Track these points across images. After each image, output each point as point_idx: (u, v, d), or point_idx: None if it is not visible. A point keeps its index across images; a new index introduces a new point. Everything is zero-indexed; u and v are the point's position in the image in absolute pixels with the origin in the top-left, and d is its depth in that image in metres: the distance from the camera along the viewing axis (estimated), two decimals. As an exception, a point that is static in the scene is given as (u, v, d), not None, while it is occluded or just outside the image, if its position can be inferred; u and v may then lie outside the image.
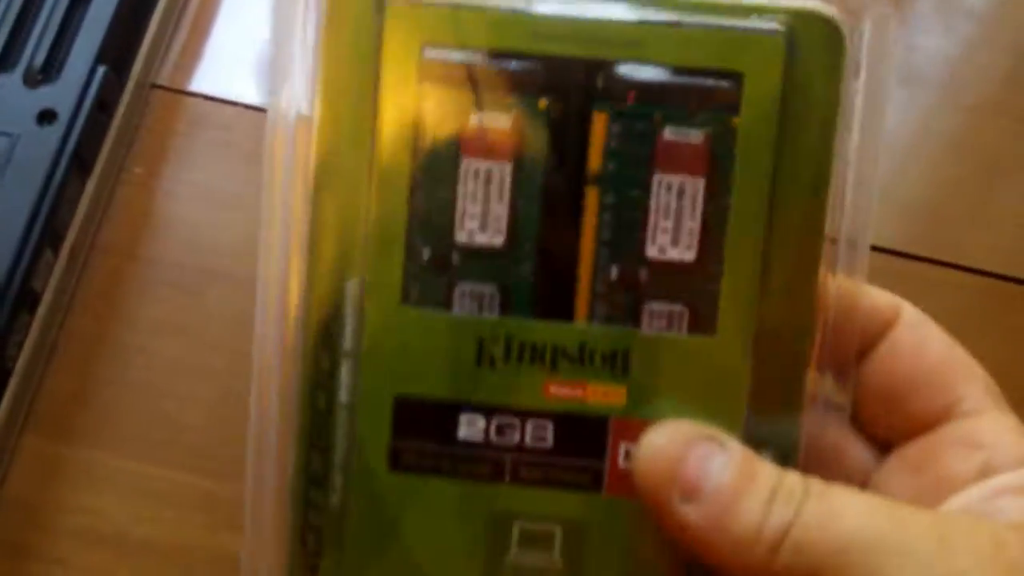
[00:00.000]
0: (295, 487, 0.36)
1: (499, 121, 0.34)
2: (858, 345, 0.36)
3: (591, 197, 0.34)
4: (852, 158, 0.35)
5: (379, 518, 0.35)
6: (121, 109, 0.60)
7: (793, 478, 0.33)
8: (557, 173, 0.34)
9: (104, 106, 0.58)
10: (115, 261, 0.59)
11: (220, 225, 0.59)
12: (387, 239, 0.35)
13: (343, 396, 0.35)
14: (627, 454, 0.35)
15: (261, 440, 0.36)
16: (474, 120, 0.34)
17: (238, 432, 0.56)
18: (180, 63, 0.62)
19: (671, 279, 0.34)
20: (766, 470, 0.33)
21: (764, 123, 0.34)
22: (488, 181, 0.34)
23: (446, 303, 0.35)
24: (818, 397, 0.36)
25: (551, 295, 0.35)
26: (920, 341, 0.37)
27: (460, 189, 0.34)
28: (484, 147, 0.34)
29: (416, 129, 0.34)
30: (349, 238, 0.35)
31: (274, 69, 0.36)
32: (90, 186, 0.58)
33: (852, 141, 0.35)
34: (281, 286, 0.36)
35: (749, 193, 0.34)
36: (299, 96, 0.35)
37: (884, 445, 0.38)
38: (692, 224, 0.34)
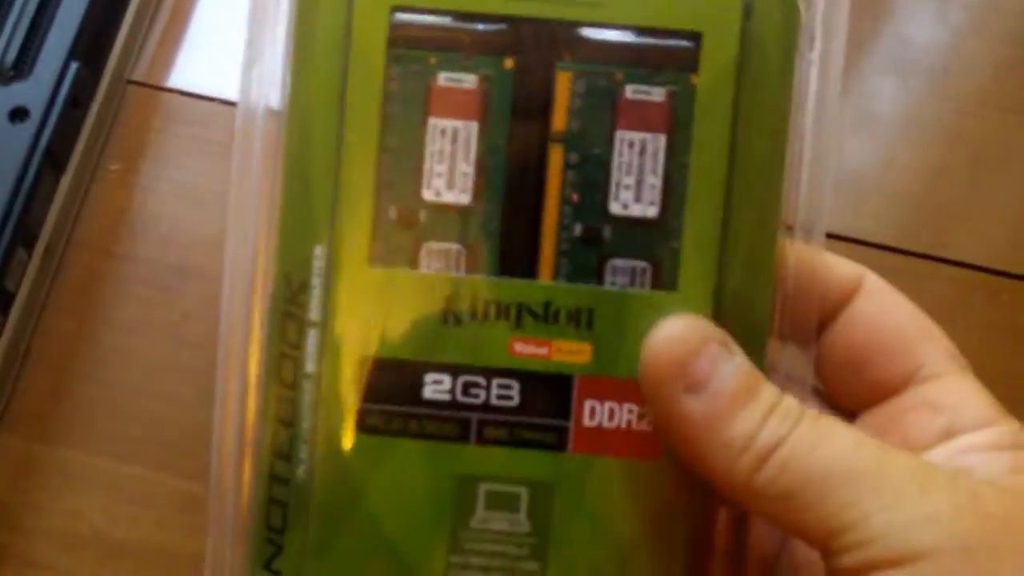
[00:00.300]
0: (260, 461, 0.37)
1: (465, 81, 0.36)
2: (819, 314, 0.37)
3: (555, 155, 0.36)
4: (808, 131, 0.37)
5: (345, 484, 0.36)
6: (95, 105, 0.60)
7: (792, 401, 0.34)
8: (522, 132, 0.36)
9: (77, 103, 0.59)
10: (91, 259, 0.60)
11: (197, 221, 0.59)
12: (355, 199, 0.36)
13: (309, 366, 0.36)
14: (592, 412, 0.36)
15: (224, 426, 0.38)
16: (441, 80, 0.36)
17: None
18: (156, 58, 0.63)
19: (634, 235, 0.36)
20: (769, 388, 0.34)
21: (723, 82, 0.35)
22: (455, 140, 0.36)
23: (413, 261, 0.36)
24: (779, 367, 0.37)
25: (516, 253, 0.36)
26: (882, 308, 0.38)
27: (427, 148, 0.36)
28: (451, 107, 0.36)
29: (385, 90, 0.36)
30: (316, 205, 0.36)
31: (249, 43, 0.37)
32: (64, 183, 0.59)
33: (807, 114, 0.37)
34: (248, 279, 0.37)
35: (709, 151, 0.35)
36: (271, 75, 0.37)
37: (849, 415, 0.39)
38: (654, 180, 0.35)
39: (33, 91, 0.59)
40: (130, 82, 0.62)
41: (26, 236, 0.57)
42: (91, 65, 0.60)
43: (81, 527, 0.56)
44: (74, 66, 0.59)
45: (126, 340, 0.59)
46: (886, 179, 0.62)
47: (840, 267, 0.37)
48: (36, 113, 0.58)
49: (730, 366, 0.34)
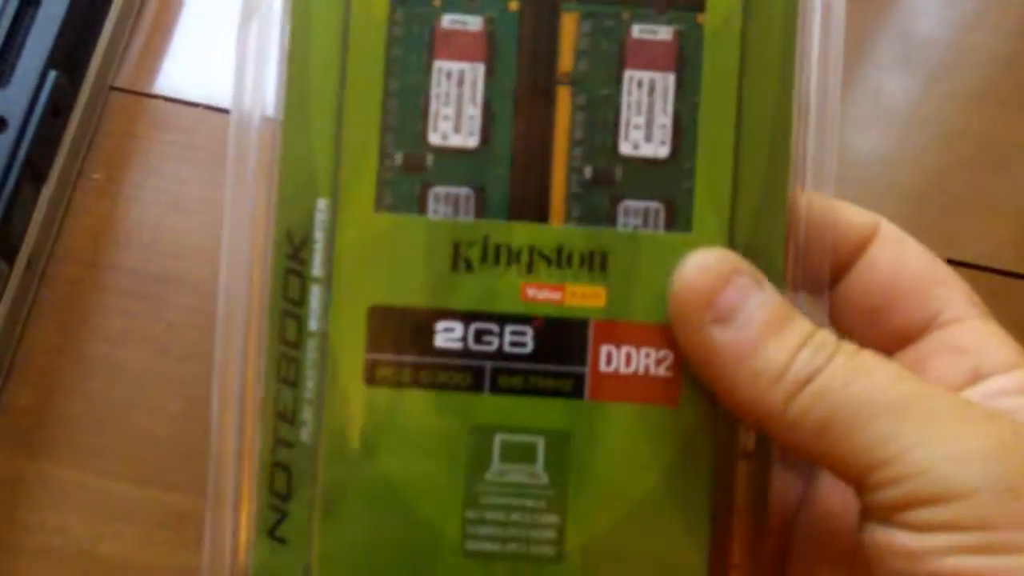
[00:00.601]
0: (264, 424, 0.36)
1: (470, 23, 0.36)
2: (832, 262, 0.37)
3: (563, 97, 0.36)
4: (814, 73, 0.37)
5: (354, 440, 0.36)
6: (77, 113, 0.60)
7: (826, 333, 0.33)
8: (529, 74, 0.36)
9: (58, 111, 0.59)
10: (74, 270, 0.60)
11: (182, 230, 0.59)
12: (359, 145, 0.36)
13: (313, 324, 0.36)
14: (609, 357, 0.36)
15: (224, 392, 0.37)
16: (445, 23, 0.36)
17: (204, 444, 0.56)
18: (140, 64, 0.62)
19: (646, 176, 0.36)
20: (801, 320, 0.34)
21: (729, 20, 0.36)
22: (461, 83, 0.36)
23: (420, 207, 0.36)
24: None
25: (526, 196, 0.36)
26: (899, 255, 0.38)
27: (433, 91, 0.36)
28: (456, 49, 0.36)
29: (389, 34, 0.36)
30: (319, 156, 0.36)
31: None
32: (46, 194, 0.59)
33: (813, 54, 0.37)
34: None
35: (718, 89, 0.36)
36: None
37: None
38: (664, 120, 0.36)
39: (11, 100, 0.58)
40: (113, 88, 0.62)
41: (7, 248, 0.57)
42: (71, 73, 0.60)
43: (66, 544, 0.55)
44: (53, 74, 0.59)
45: (110, 352, 0.58)
46: (889, 175, 0.62)
47: (854, 215, 0.37)
48: (15, 123, 0.58)
49: (760, 296, 0.34)
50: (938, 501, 0.30)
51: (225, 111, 0.56)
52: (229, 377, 0.37)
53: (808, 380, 0.32)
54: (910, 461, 0.30)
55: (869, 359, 0.32)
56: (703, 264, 0.34)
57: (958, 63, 0.65)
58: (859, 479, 0.31)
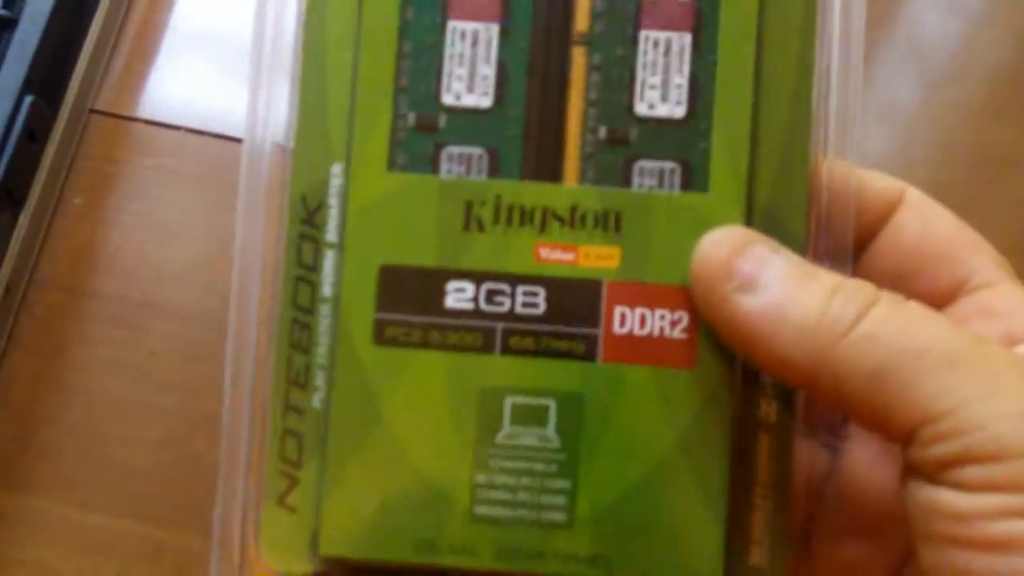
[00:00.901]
0: (275, 390, 0.36)
1: None
2: (856, 230, 0.36)
3: (578, 57, 0.36)
4: (836, 39, 0.37)
5: (363, 401, 0.35)
6: (55, 138, 0.60)
7: (860, 281, 0.33)
8: (544, 34, 0.36)
9: (34, 136, 0.59)
10: (54, 297, 0.59)
11: (165, 256, 0.59)
12: (373, 106, 0.36)
13: (326, 290, 0.36)
14: (623, 319, 0.35)
15: (237, 356, 0.37)
16: (460, -18, 0.36)
17: (186, 476, 0.56)
18: (121, 87, 0.63)
19: (661, 136, 0.36)
20: (826, 272, 0.33)
21: None
22: (475, 42, 0.36)
23: (433, 167, 0.36)
24: None
25: (540, 156, 0.36)
26: (926, 220, 0.37)
27: (446, 51, 0.36)
28: (470, 9, 0.36)
29: (402, -6, 0.36)
30: (334, 120, 0.36)
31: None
32: (24, 219, 0.59)
33: (835, 18, 0.37)
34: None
35: (736, 49, 0.36)
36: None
37: None
38: (680, 80, 0.36)
39: (-14, 128, 0.58)
40: (93, 112, 0.62)
41: (-16, 275, 0.56)
42: (48, 96, 0.60)
43: (46, 578, 0.53)
44: (28, 99, 0.59)
45: (91, 381, 0.58)
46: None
47: (879, 181, 0.36)
48: (-10, 149, 0.57)
49: (780, 260, 0.33)
50: (993, 459, 0.29)
51: (208, 134, 0.57)
52: (243, 349, 0.36)
53: (853, 324, 0.31)
54: (966, 416, 0.29)
55: (918, 308, 0.31)
56: (716, 238, 0.34)
57: (961, 74, 0.65)
58: (909, 433, 0.30)
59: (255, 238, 0.36)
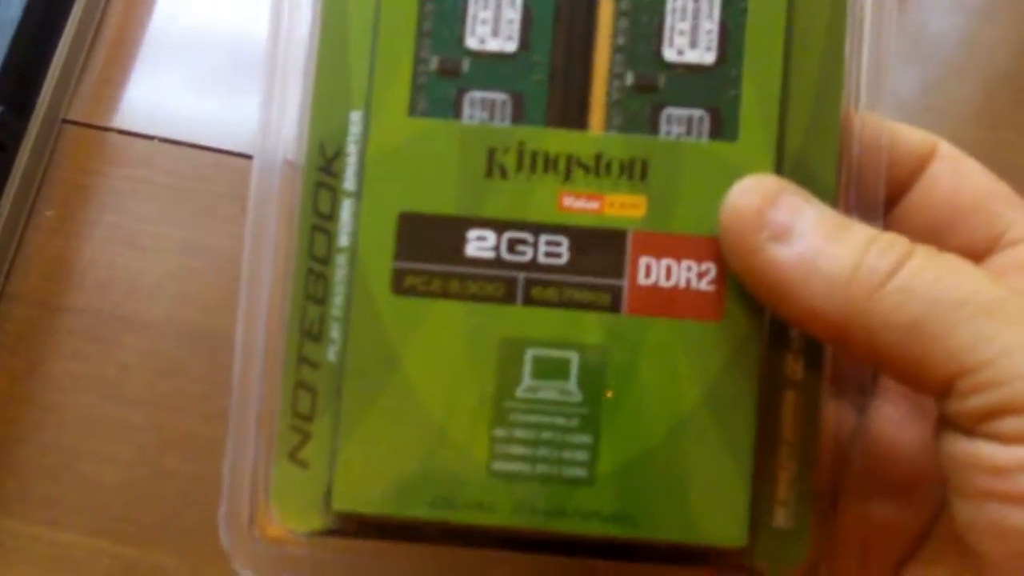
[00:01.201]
0: (288, 342, 0.35)
1: None
2: (887, 183, 0.36)
3: (605, 1, 0.35)
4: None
5: (380, 353, 0.34)
6: (26, 149, 0.59)
7: (892, 234, 0.32)
8: None
9: (3, 147, 0.58)
10: (25, 311, 0.58)
11: (138, 269, 0.58)
12: (395, 50, 0.35)
13: (343, 239, 0.35)
14: (648, 270, 0.35)
15: (249, 310, 0.36)
16: (484, -76, 0.35)
17: (158, 493, 0.54)
18: (95, 97, 0.61)
19: (690, 83, 0.35)
20: (860, 225, 0.32)
21: None
22: None
23: (455, 112, 0.35)
24: None
25: (565, 102, 0.35)
26: (959, 174, 0.37)
27: None
28: (495, -48, 0.35)
29: (425, -63, 0.35)
30: (354, 65, 0.35)
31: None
32: (-7, 232, 0.57)
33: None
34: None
35: None
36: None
37: None
38: (710, 25, 0.35)
39: (-48, 138, 0.57)
40: (66, 122, 0.61)
41: (-48, 289, 0.55)
42: (17, 107, 0.59)
43: (17, 599, 0.52)
44: (-2, 110, 0.58)
45: (61, 397, 0.57)
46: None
47: (911, 134, 0.36)
48: (-45, 161, 0.56)
49: (811, 211, 0.32)
50: None
51: (183, 144, 0.56)
52: (255, 290, 0.36)
53: (889, 276, 0.31)
54: (1006, 366, 0.28)
55: (954, 259, 0.31)
56: (747, 187, 0.33)
57: (975, 54, 0.65)
58: (945, 385, 0.29)
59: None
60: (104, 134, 0.61)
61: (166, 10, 0.63)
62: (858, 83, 0.36)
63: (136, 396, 0.56)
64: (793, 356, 0.35)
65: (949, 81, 0.64)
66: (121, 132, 0.61)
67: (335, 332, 0.35)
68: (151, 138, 0.60)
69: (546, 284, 0.34)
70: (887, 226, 0.35)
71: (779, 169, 0.35)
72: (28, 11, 0.59)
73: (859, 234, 0.32)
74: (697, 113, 0.35)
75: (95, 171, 0.60)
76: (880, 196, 0.35)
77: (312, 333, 0.35)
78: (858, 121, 0.35)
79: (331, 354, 0.35)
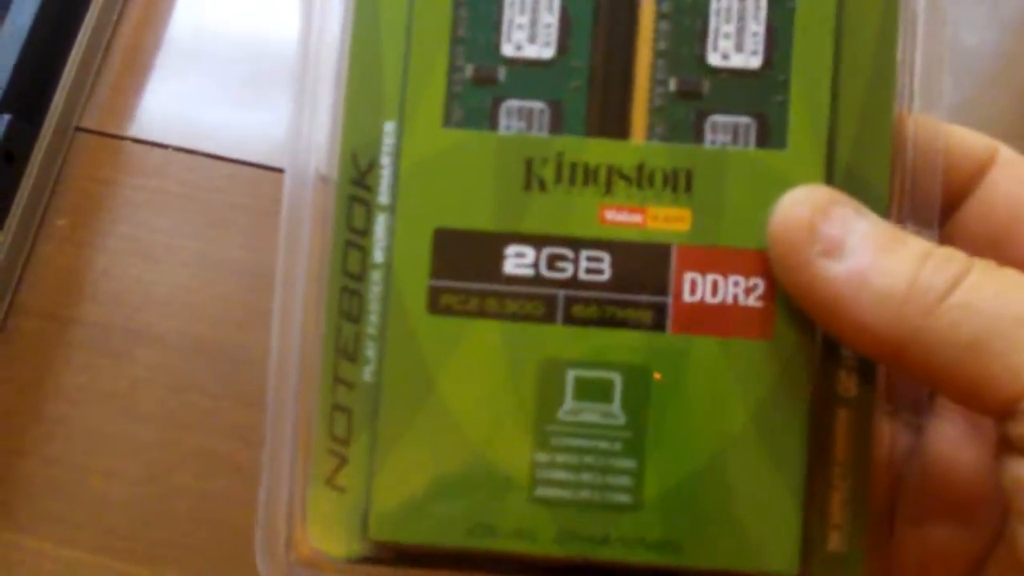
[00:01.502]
0: (324, 363, 0.34)
1: None
2: (944, 190, 0.34)
3: (647, 4, 0.34)
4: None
5: (417, 374, 0.33)
6: (37, 158, 0.58)
7: (951, 248, 0.31)
8: None
9: (12, 157, 0.57)
10: (35, 323, 0.57)
11: (151, 280, 0.57)
12: (429, 58, 0.34)
13: (378, 256, 0.34)
14: (693, 286, 0.33)
15: (284, 328, 0.34)
16: (520, -72, 0.34)
17: (166, 511, 0.53)
18: (109, 105, 0.60)
19: (736, 89, 0.34)
20: (915, 239, 0.31)
21: None
22: None
23: (492, 122, 0.34)
24: None
25: (605, 111, 0.34)
26: (1021, 180, 0.35)
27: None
28: (531, -46, 0.34)
29: (460, -59, 0.34)
30: (388, 74, 0.34)
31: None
32: (3, 243, 0.56)
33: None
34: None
35: None
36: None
37: None
38: (757, 28, 0.34)
39: (-38, 148, 0.56)
40: (79, 130, 0.59)
41: (-40, 300, 0.54)
42: (29, 115, 0.58)
43: (20, 616, 0.51)
44: (6, 119, 0.57)
45: (70, 411, 0.56)
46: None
47: (969, 139, 0.34)
48: (-34, 170, 0.55)
49: (864, 224, 0.31)
50: None
51: (198, 153, 0.54)
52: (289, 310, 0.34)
53: (946, 292, 0.29)
54: None
55: (1015, 274, 0.29)
56: (797, 198, 0.32)
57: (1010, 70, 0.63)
58: (1006, 405, 0.28)
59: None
60: (118, 143, 0.60)
61: (183, 18, 0.62)
62: (911, 84, 0.34)
63: (146, 411, 0.55)
64: (846, 372, 0.34)
65: (983, 95, 0.62)
66: (135, 141, 0.60)
67: (370, 351, 0.34)
68: (165, 147, 0.60)
69: (587, 302, 0.33)
70: (944, 237, 0.34)
71: (830, 178, 0.33)
72: (40, 18, 0.58)
73: (914, 248, 0.30)
74: (743, 120, 0.33)
75: (108, 180, 0.59)
76: (936, 205, 0.34)
77: (347, 352, 0.34)
78: (912, 124, 0.34)
79: (367, 374, 0.33)
